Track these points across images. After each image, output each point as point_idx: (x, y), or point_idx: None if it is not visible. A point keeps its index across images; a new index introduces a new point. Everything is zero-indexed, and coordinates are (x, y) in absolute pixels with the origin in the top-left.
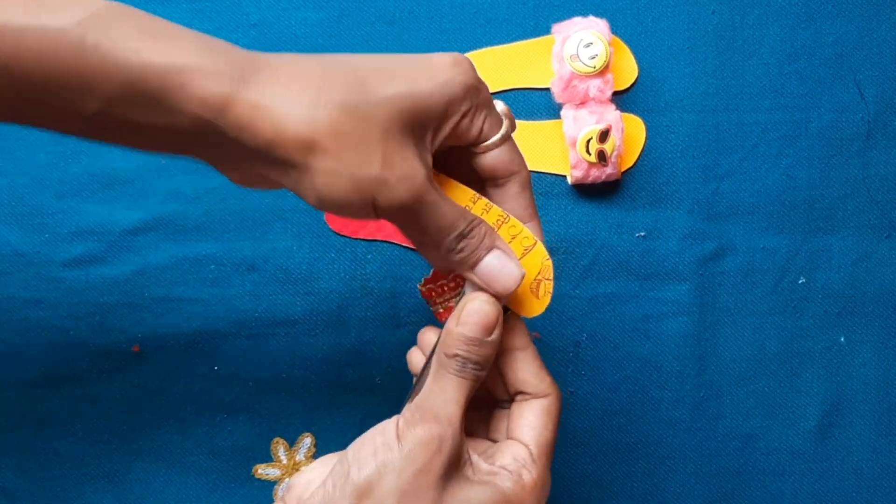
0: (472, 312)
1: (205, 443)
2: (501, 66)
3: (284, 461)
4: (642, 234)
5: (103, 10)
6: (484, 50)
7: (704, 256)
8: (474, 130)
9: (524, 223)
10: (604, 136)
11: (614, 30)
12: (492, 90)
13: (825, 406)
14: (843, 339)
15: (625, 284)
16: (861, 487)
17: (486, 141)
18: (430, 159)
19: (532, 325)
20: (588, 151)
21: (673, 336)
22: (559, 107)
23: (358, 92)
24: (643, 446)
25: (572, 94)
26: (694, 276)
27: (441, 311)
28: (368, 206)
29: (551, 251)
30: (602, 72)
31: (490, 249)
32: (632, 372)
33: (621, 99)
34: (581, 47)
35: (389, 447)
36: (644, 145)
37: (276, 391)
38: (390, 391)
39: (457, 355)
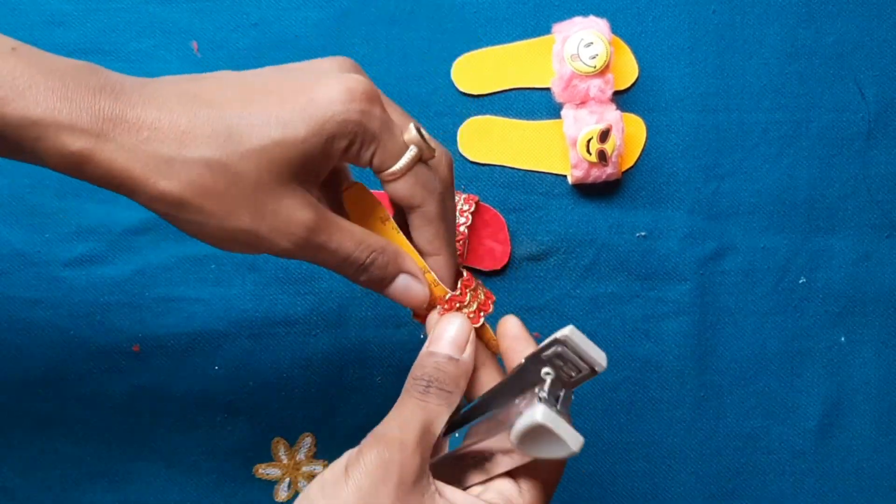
0: (444, 329)
1: (205, 443)
2: (501, 66)
3: (285, 461)
4: (643, 233)
5: None
6: (484, 50)
7: (705, 256)
8: (363, 162)
9: (429, 256)
10: (604, 135)
11: (615, 29)
12: (492, 90)
13: (825, 406)
14: (843, 339)
15: (625, 284)
16: (861, 487)
17: (384, 170)
18: (314, 199)
19: (532, 325)
20: (588, 151)
21: (673, 336)
22: (559, 106)
23: (224, 146)
24: (643, 446)
25: (573, 94)
26: (694, 276)
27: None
28: (251, 250)
29: (552, 251)
30: (602, 71)
31: (396, 276)
32: (632, 372)
33: (622, 99)
34: (581, 47)
35: (336, 481)
36: (644, 145)
37: (277, 391)
38: (390, 391)
39: (422, 376)
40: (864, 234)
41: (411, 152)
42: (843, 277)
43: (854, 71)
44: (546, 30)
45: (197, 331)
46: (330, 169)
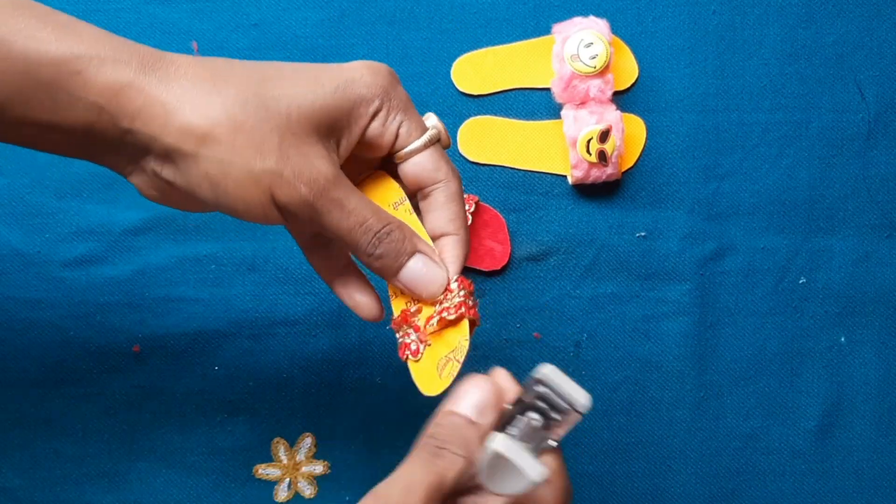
0: (467, 389)
1: (205, 443)
2: (501, 66)
3: (285, 461)
4: (643, 234)
5: (3, 2)
6: (484, 50)
7: (705, 256)
8: (388, 135)
9: (447, 236)
10: (604, 136)
11: (615, 30)
12: (492, 90)
13: (825, 406)
14: (843, 340)
15: (625, 284)
16: (861, 487)
17: (404, 148)
18: (336, 159)
19: (532, 325)
20: (588, 151)
21: (673, 336)
22: (559, 107)
23: (257, 86)
24: (643, 446)
25: (573, 94)
26: (694, 276)
27: (401, 342)
28: (268, 202)
29: (552, 251)
30: (602, 72)
31: (412, 254)
32: (632, 372)
33: (622, 99)
34: (581, 47)
35: None
36: (644, 145)
37: (277, 391)
38: (390, 391)
39: (436, 434)
40: (864, 235)
41: (433, 130)
42: (843, 277)
43: (854, 71)
44: (546, 30)
45: (197, 331)
46: (354, 136)
